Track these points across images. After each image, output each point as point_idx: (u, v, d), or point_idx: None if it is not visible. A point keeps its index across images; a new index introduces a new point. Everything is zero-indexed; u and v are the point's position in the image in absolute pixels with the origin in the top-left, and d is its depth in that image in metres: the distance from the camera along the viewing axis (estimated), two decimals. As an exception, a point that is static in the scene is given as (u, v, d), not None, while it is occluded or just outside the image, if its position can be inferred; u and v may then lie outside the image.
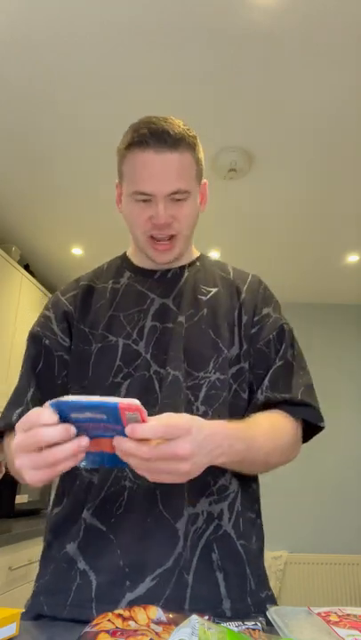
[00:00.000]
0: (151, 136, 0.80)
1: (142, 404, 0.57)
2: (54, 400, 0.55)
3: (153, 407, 0.78)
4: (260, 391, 0.85)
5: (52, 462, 0.56)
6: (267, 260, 3.14)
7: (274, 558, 3.21)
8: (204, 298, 0.91)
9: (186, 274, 0.94)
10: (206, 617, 0.73)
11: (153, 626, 0.65)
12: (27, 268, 3.17)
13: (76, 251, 3.11)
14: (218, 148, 2.11)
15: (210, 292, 0.92)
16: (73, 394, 0.66)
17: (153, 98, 1.83)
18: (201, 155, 0.88)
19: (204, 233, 2.82)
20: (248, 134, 2.03)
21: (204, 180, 0.91)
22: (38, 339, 0.92)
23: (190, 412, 0.77)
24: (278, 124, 1.96)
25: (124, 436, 0.57)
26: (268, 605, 0.85)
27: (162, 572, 0.71)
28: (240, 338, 0.88)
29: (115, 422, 0.56)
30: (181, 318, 0.87)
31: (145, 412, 0.57)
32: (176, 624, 0.66)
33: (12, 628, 0.68)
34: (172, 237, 0.87)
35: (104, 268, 1.00)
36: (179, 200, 0.83)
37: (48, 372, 0.90)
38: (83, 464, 0.62)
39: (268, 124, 1.96)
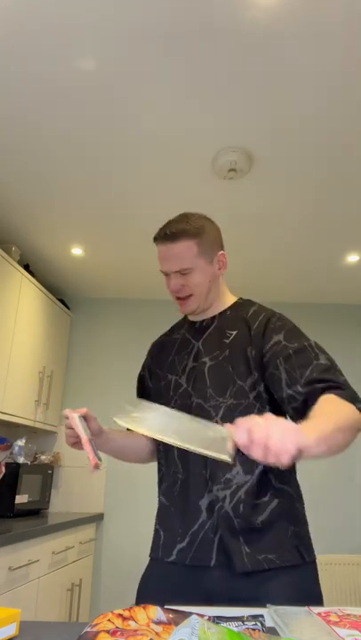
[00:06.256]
0: (160, 233, 1.18)
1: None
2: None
3: None
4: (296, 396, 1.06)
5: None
6: (267, 260, 3.14)
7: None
8: (227, 341, 1.19)
9: (215, 322, 1.24)
10: (206, 617, 0.73)
11: (153, 626, 0.65)
12: (27, 268, 3.17)
13: (76, 251, 3.11)
14: (218, 148, 2.11)
15: (231, 334, 1.20)
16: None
17: (152, 97, 1.83)
18: (208, 237, 1.19)
19: (204, 233, 2.83)
20: (248, 134, 2.03)
21: (220, 252, 1.22)
22: (142, 379, 1.37)
23: None
24: (278, 124, 1.96)
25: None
26: (268, 605, 0.85)
27: (192, 532, 1.08)
28: (252, 369, 1.14)
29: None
30: (205, 358, 1.19)
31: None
32: (176, 624, 0.67)
33: (12, 628, 0.68)
34: (190, 296, 1.20)
35: (178, 322, 1.37)
36: (185, 274, 1.17)
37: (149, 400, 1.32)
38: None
39: (268, 124, 1.96)
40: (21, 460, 2.81)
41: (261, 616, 0.77)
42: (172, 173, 2.28)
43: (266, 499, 1.08)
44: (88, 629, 0.63)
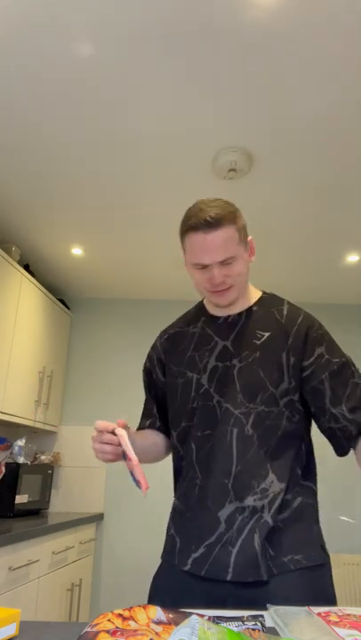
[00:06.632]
0: (198, 220, 1.04)
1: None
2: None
3: (214, 429, 1.09)
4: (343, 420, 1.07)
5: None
6: (267, 260, 3.14)
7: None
8: (258, 342, 1.12)
9: (243, 319, 1.16)
10: (206, 617, 0.73)
11: (153, 626, 0.65)
12: (27, 268, 3.17)
13: (76, 251, 3.11)
14: (218, 148, 2.11)
15: (263, 335, 1.12)
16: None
17: (152, 97, 1.83)
18: (241, 222, 1.09)
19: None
20: (248, 134, 2.03)
21: (249, 238, 1.13)
22: (149, 372, 1.29)
23: (243, 432, 1.06)
24: (278, 124, 1.96)
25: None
26: (268, 605, 0.85)
27: (208, 544, 1.02)
28: (288, 376, 1.08)
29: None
30: (236, 360, 1.11)
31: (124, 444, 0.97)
32: (176, 624, 0.67)
33: (12, 628, 0.68)
34: (230, 287, 1.10)
35: (191, 313, 1.27)
36: (227, 264, 1.06)
37: (157, 396, 1.28)
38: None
39: (268, 124, 1.96)
40: (21, 460, 2.81)
41: (261, 616, 0.77)
42: (172, 173, 2.28)
43: (289, 496, 1.05)
44: (88, 629, 0.63)
